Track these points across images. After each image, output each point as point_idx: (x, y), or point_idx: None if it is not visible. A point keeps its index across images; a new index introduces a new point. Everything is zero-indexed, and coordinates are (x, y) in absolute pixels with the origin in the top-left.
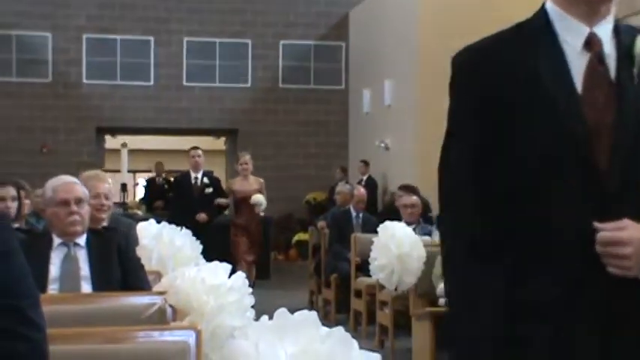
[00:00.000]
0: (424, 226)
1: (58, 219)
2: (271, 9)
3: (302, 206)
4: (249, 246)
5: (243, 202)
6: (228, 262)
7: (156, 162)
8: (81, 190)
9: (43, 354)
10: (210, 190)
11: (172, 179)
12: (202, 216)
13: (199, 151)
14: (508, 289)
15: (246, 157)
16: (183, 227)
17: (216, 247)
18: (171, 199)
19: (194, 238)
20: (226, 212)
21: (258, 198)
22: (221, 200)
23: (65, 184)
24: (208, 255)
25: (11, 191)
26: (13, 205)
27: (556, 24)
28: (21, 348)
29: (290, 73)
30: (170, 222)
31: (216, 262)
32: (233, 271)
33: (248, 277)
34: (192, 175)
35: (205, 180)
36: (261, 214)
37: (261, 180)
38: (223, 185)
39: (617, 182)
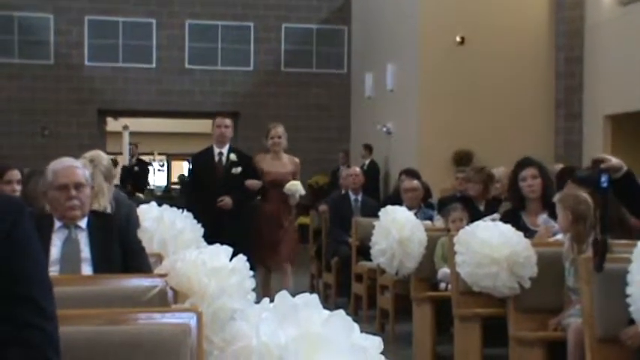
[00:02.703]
0: (425, 210)
1: (57, 203)
2: None
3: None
4: (276, 244)
5: (273, 186)
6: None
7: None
8: (81, 174)
9: (55, 345)
10: (238, 169)
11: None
12: (226, 200)
13: (227, 121)
14: None
15: (279, 129)
16: (205, 218)
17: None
18: (187, 183)
19: (195, 220)
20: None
21: (295, 187)
22: (252, 182)
23: (65, 168)
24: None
25: (17, 174)
26: (18, 188)
27: None
28: (33, 338)
29: (292, 56)
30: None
31: (217, 245)
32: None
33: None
34: (216, 150)
35: (232, 157)
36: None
37: (297, 160)
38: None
39: None
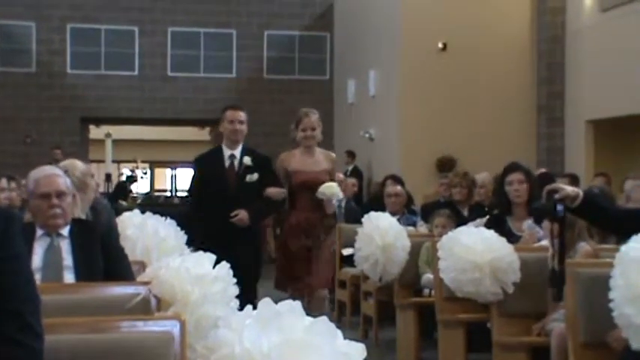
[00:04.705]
0: (408, 216)
1: (39, 211)
2: None
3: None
4: (308, 264)
5: (304, 189)
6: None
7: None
8: (63, 183)
9: None
10: (254, 176)
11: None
12: (242, 215)
13: (242, 114)
14: None
15: (313, 118)
16: (214, 237)
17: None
18: (190, 194)
19: (179, 227)
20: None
21: (331, 189)
22: (274, 190)
23: (47, 176)
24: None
25: (4, 182)
26: (3, 196)
27: None
28: (18, 355)
29: (275, 63)
30: (188, 231)
31: (200, 252)
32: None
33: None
34: (227, 152)
35: (247, 160)
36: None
37: (333, 155)
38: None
39: None
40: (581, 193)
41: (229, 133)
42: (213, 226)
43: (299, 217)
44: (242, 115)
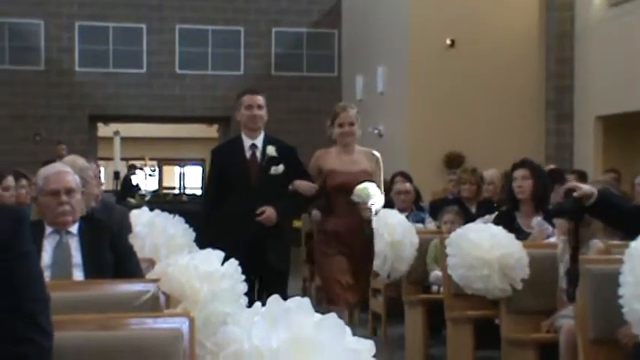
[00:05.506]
0: (417, 213)
1: (48, 209)
2: None
3: None
4: (350, 274)
5: (340, 192)
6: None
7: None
8: (72, 179)
9: None
10: (279, 168)
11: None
12: (268, 212)
13: (260, 98)
14: None
15: (351, 113)
16: (234, 240)
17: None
18: (206, 190)
19: (187, 225)
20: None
21: (366, 191)
22: (303, 184)
23: (56, 173)
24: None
25: (12, 180)
26: (7, 194)
27: None
28: (27, 353)
29: (282, 60)
30: (207, 231)
31: (209, 249)
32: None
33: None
34: (247, 141)
35: (270, 150)
36: (372, 217)
37: (377, 155)
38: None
39: None
40: (595, 192)
41: (247, 120)
42: (235, 225)
43: (336, 224)
44: (260, 99)
